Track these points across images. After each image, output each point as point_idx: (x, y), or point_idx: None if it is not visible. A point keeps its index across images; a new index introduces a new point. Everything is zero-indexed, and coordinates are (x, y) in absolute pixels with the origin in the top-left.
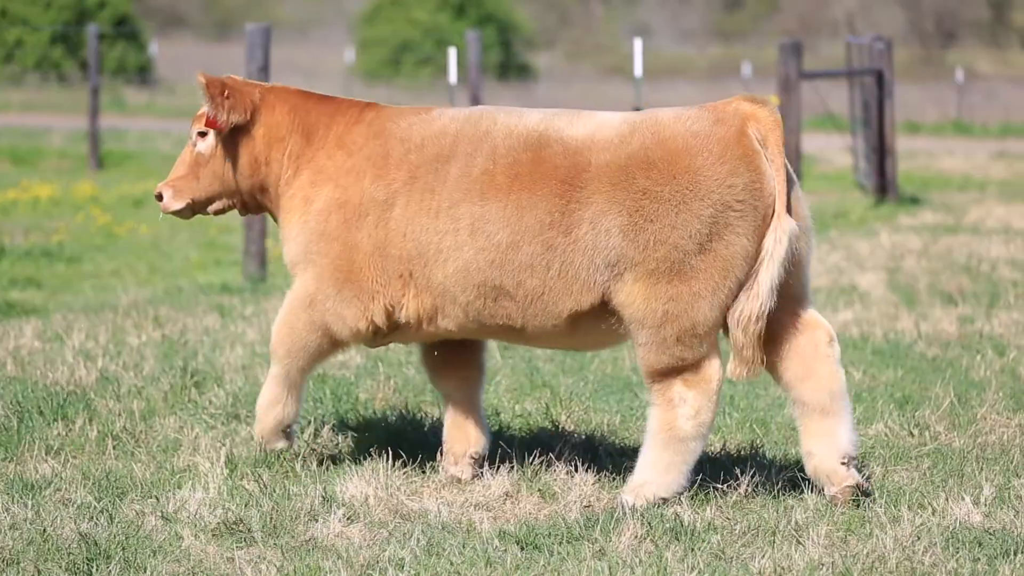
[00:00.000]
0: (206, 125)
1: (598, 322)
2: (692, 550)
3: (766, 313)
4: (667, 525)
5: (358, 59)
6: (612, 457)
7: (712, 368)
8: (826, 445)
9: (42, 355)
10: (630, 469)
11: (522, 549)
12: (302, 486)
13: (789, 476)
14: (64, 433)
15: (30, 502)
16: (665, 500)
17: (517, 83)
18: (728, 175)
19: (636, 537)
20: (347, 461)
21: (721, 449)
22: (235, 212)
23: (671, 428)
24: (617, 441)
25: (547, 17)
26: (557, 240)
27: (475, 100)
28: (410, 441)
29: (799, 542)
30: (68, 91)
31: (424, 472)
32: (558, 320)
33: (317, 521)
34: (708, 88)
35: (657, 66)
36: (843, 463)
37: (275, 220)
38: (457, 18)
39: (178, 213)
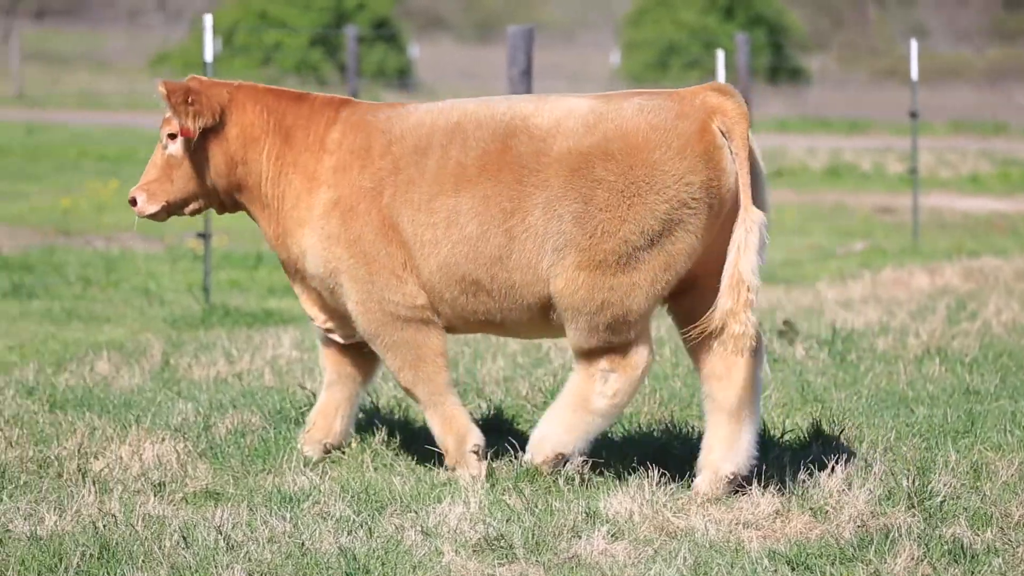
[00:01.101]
0: (180, 135)
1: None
2: (972, 574)
3: (755, 299)
4: (945, 547)
5: (623, 62)
6: (888, 476)
7: (639, 355)
8: (724, 450)
9: (300, 365)
10: (907, 488)
11: (792, 570)
12: (565, 502)
13: None
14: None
15: (288, 515)
16: (562, 456)
17: (788, 87)
18: (686, 172)
19: (913, 559)
20: (611, 477)
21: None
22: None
23: (585, 399)
24: (893, 458)
25: (819, 19)
26: (516, 229)
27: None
28: (676, 456)
29: None
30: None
31: (690, 488)
32: (531, 312)
33: (580, 538)
34: (988, 91)
35: (933, 68)
36: (729, 478)
37: (252, 218)
38: (726, 20)
39: (153, 216)
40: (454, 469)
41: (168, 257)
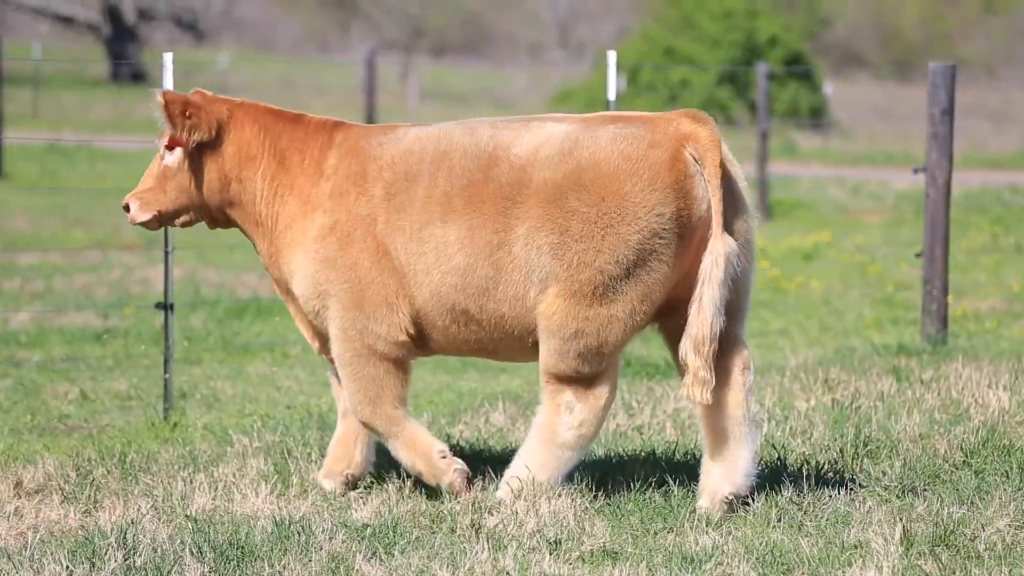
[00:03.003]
0: (170, 144)
1: None
2: None
3: (717, 334)
4: None
5: None
6: None
7: (605, 386)
8: (723, 470)
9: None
10: None
11: None
12: (985, 569)
13: None
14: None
15: None
16: (537, 497)
17: None
18: (656, 204)
19: None
20: None
21: None
22: None
23: (552, 431)
24: None
25: None
26: (503, 260)
27: None
28: None
29: None
30: (735, 134)
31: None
32: (522, 343)
33: None
34: None
35: None
36: (727, 500)
37: (246, 235)
38: None
39: (145, 225)
40: (437, 485)
41: None
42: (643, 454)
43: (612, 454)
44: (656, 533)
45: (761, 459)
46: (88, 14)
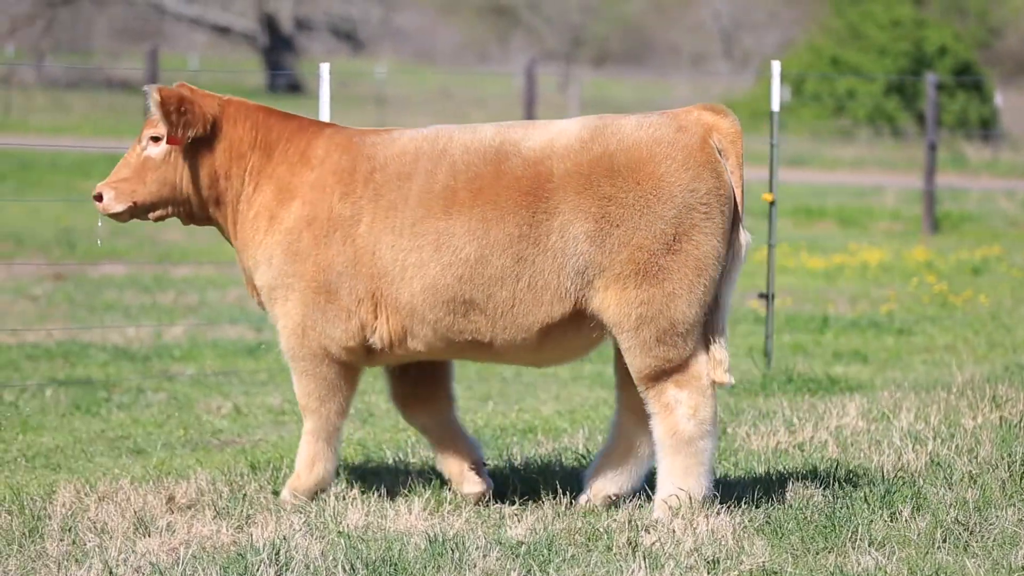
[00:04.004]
0: (168, 143)
1: (565, 334)
2: None
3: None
4: None
5: None
6: None
7: (700, 364)
8: (614, 471)
9: (867, 436)
10: None
11: None
12: None
13: None
14: (889, 522)
15: None
16: (692, 504)
17: None
18: (691, 181)
19: None
20: None
21: None
22: None
23: (675, 432)
24: None
25: None
26: (527, 251)
27: None
28: None
29: None
30: (902, 147)
31: None
32: (528, 333)
33: None
34: None
35: None
36: (612, 497)
37: (223, 235)
38: None
39: (117, 216)
40: (285, 492)
41: (728, 319)
42: (804, 471)
43: (772, 471)
44: (817, 553)
45: (925, 478)
46: (245, 24)
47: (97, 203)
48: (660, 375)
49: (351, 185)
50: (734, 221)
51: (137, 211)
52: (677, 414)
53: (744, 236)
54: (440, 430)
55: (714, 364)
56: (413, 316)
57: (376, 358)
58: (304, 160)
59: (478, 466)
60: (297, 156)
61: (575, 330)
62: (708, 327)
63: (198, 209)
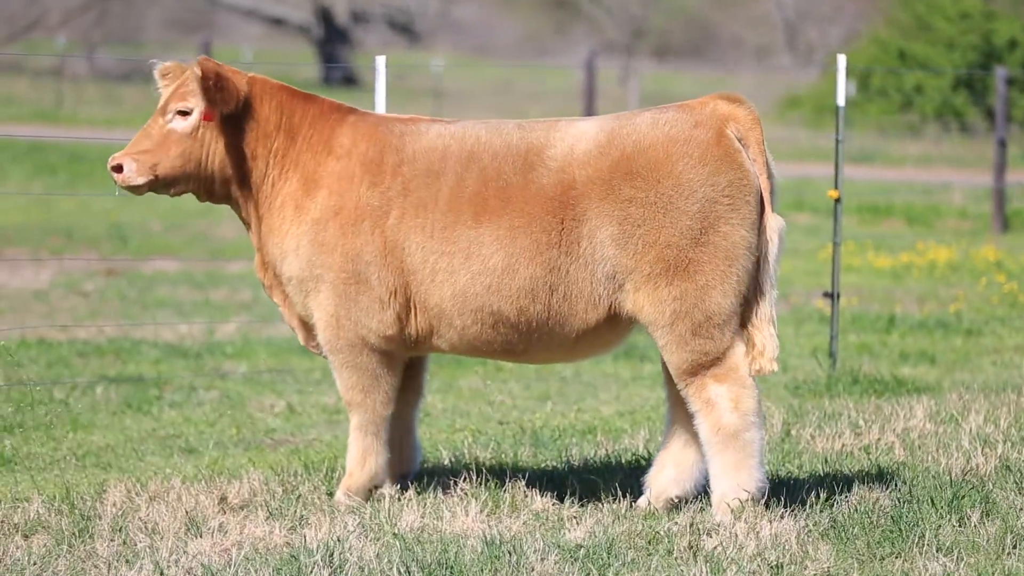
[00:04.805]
0: (204, 119)
1: (599, 334)
2: None
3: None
4: None
5: None
6: None
7: (737, 355)
8: (674, 472)
9: (934, 438)
10: None
11: None
12: None
13: None
14: (957, 528)
15: None
16: (750, 500)
17: None
18: (710, 175)
19: None
20: None
21: None
22: None
23: (719, 428)
24: None
25: None
26: (559, 260)
27: None
28: None
29: None
30: (971, 143)
31: None
32: (564, 341)
33: None
34: None
35: None
36: (673, 499)
37: (239, 215)
38: None
39: (135, 189)
40: (339, 493)
41: (792, 319)
42: (870, 474)
43: (837, 474)
44: (883, 558)
45: (994, 482)
46: (300, 16)
47: (116, 174)
48: (698, 369)
49: (379, 176)
50: (762, 207)
51: (157, 184)
52: (719, 409)
53: (775, 221)
54: (398, 426)
55: (757, 353)
56: (441, 319)
57: (416, 348)
58: (328, 149)
59: (403, 480)
60: (321, 144)
61: (608, 328)
62: (753, 316)
63: (220, 187)
